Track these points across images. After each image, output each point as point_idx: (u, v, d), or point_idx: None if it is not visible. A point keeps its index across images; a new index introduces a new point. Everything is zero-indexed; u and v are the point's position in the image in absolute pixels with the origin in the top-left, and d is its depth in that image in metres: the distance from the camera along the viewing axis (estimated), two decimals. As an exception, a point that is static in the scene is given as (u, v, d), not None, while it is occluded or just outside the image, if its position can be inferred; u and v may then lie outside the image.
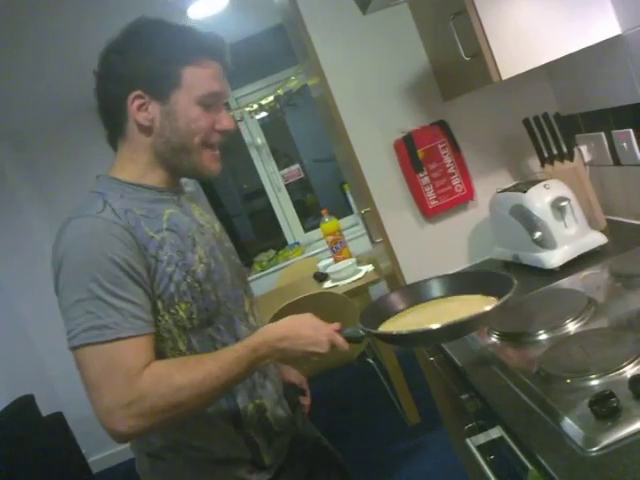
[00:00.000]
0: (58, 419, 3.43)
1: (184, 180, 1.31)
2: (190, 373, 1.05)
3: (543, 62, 1.54)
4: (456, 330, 1.15)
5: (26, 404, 3.22)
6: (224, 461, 1.22)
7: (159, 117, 1.14)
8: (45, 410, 3.35)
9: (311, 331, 1.13)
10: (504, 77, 1.50)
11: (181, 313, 1.13)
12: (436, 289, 1.33)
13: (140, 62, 1.12)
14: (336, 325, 1.16)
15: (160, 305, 1.11)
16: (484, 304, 1.17)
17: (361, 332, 1.17)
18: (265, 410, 1.26)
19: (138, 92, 1.12)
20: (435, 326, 1.10)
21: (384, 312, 1.30)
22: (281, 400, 1.32)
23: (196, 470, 1.21)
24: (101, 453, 4.13)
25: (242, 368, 1.09)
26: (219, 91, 1.17)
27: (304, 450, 1.38)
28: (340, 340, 1.14)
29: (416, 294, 1.34)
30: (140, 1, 2.46)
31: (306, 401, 1.51)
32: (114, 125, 1.20)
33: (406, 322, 1.26)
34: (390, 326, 1.25)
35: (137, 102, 1.13)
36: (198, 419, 1.17)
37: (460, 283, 1.32)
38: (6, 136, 4.07)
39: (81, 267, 1.05)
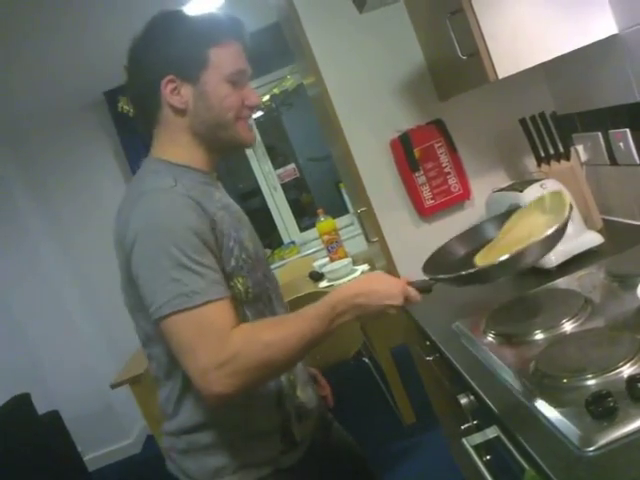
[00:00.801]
0: (54, 417, 3.42)
1: None
2: (277, 330, 1.10)
3: (540, 61, 1.54)
4: (526, 256, 1.18)
5: (22, 402, 3.21)
6: (257, 436, 1.24)
7: (192, 98, 1.19)
8: (41, 408, 3.34)
9: (385, 285, 1.16)
10: (501, 76, 1.50)
11: (239, 286, 1.18)
12: (490, 229, 1.45)
13: (167, 49, 1.17)
14: (405, 278, 1.20)
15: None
16: (542, 222, 1.22)
17: (431, 281, 1.22)
18: (296, 387, 1.31)
19: (170, 77, 1.17)
20: (503, 258, 1.15)
21: (447, 260, 1.40)
22: (309, 381, 1.39)
23: (230, 447, 1.23)
24: (97, 451, 4.12)
25: (324, 325, 1.11)
26: (244, 68, 1.22)
27: (328, 440, 1.44)
28: (413, 292, 1.17)
29: (474, 238, 1.45)
30: (137, 1, 2.46)
31: (325, 391, 1.55)
32: (149, 113, 1.24)
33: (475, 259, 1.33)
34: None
35: (170, 86, 1.18)
36: None
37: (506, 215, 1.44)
38: (3, 134, 4.06)
39: (162, 237, 1.07)
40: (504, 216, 1.50)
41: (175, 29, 1.19)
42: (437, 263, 1.37)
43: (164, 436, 1.30)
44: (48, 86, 3.51)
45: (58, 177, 4.21)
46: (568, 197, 1.28)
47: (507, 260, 1.17)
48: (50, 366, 3.98)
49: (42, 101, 3.78)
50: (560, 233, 1.21)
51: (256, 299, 1.23)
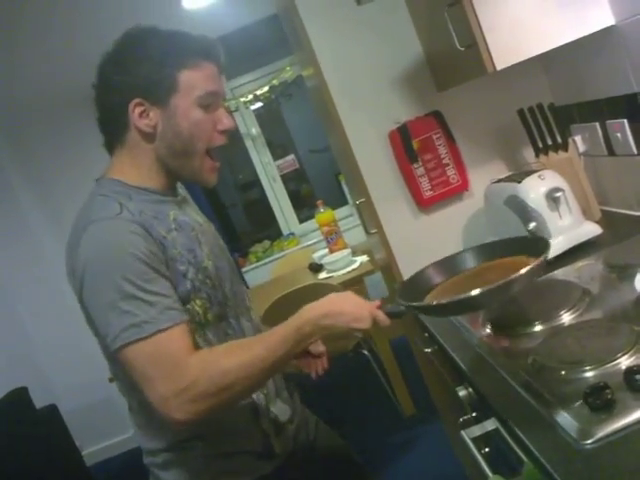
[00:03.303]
0: (52, 411, 3.41)
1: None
2: (236, 356, 1.08)
3: (537, 52, 1.54)
4: (497, 294, 1.13)
5: (20, 396, 3.20)
6: (235, 454, 1.24)
7: (161, 123, 1.15)
8: (39, 402, 3.34)
9: (353, 307, 1.14)
10: (499, 68, 1.50)
11: (197, 308, 1.16)
12: (471, 259, 1.36)
13: (137, 70, 1.13)
14: (377, 302, 1.18)
15: None
16: (521, 265, 1.14)
17: (402, 307, 1.18)
18: (270, 400, 1.29)
19: (138, 100, 1.13)
20: (475, 292, 1.09)
21: (423, 286, 1.32)
22: (280, 392, 1.34)
23: (207, 464, 1.23)
24: (95, 445, 4.11)
25: (287, 348, 1.10)
26: (216, 90, 1.18)
27: (309, 439, 1.42)
28: (382, 316, 1.15)
29: (452, 266, 1.36)
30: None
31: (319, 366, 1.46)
32: (115, 134, 1.21)
33: (447, 292, 1.28)
34: (431, 299, 1.26)
35: (138, 110, 1.14)
36: None
37: (493, 250, 1.35)
38: (1, 127, 4.04)
39: (110, 269, 1.06)
40: (488, 248, 1.39)
41: (145, 50, 1.14)
42: (413, 289, 1.30)
43: (144, 453, 1.30)
44: (46, 80, 3.49)
45: (57, 170, 4.17)
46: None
47: (479, 295, 1.10)
48: (48, 360, 3.97)
49: (40, 94, 3.76)
50: (537, 272, 1.15)
51: (219, 319, 1.20)
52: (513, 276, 1.09)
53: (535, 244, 1.23)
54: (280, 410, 1.31)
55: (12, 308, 4.03)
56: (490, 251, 1.35)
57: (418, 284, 1.33)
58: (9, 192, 4.01)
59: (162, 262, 1.10)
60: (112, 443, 4.14)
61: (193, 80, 1.14)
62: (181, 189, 1.35)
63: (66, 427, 3.44)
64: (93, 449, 4.08)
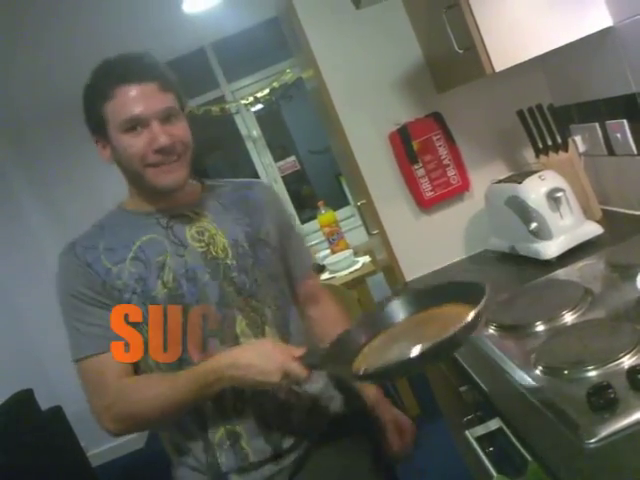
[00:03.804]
0: (57, 413, 3.42)
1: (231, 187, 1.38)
2: (146, 390, 1.19)
3: (536, 54, 1.54)
4: (429, 356, 0.99)
5: (25, 398, 3.22)
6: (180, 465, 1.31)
7: (113, 154, 1.23)
8: (44, 404, 3.36)
9: (262, 360, 1.10)
10: (497, 69, 1.50)
11: (144, 334, 1.21)
12: (400, 311, 1.18)
13: (85, 112, 1.23)
14: (298, 351, 1.11)
15: None
16: (455, 316, 1.01)
17: (322, 357, 1.11)
18: (239, 438, 1.24)
19: (95, 137, 1.25)
20: (414, 354, 0.96)
21: (351, 346, 1.14)
22: (270, 430, 1.25)
23: (174, 461, 1.33)
24: (100, 447, 4.14)
25: (194, 391, 1.14)
26: (135, 112, 1.16)
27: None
28: (297, 369, 1.09)
29: (381, 319, 1.18)
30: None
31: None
32: None
33: (379, 353, 1.11)
34: (362, 361, 1.09)
35: (98, 145, 1.25)
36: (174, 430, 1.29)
37: (424, 299, 1.17)
38: (3, 131, 4.05)
39: (58, 297, 1.25)
40: (419, 297, 1.21)
41: (85, 90, 1.22)
42: (342, 349, 1.13)
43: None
44: (48, 83, 3.50)
45: (59, 173, 4.19)
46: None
47: (408, 360, 0.98)
48: (53, 362, 3.97)
49: (42, 98, 3.77)
50: (474, 325, 1.00)
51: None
52: (445, 335, 0.96)
53: (470, 290, 1.06)
54: (256, 450, 1.24)
55: (17, 312, 4.06)
56: (421, 300, 1.18)
57: (347, 343, 1.15)
58: (11, 197, 4.02)
59: (99, 293, 1.20)
60: (117, 444, 4.14)
61: (113, 109, 1.17)
62: (216, 200, 1.33)
63: (71, 428, 3.46)
64: (98, 450, 4.10)
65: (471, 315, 0.97)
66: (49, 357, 3.96)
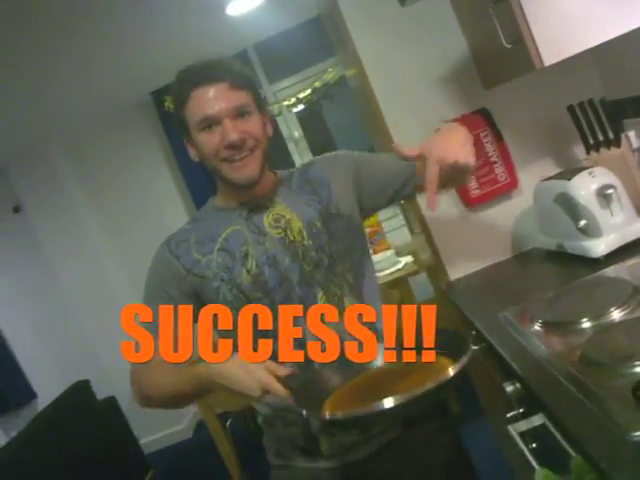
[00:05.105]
0: (112, 403, 3.60)
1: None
2: (156, 376, 1.29)
3: (587, 47, 1.49)
4: (400, 410, 0.95)
5: (82, 388, 3.39)
6: (284, 440, 1.39)
7: (198, 152, 1.33)
8: (100, 394, 3.54)
9: (244, 373, 1.11)
10: (547, 63, 1.46)
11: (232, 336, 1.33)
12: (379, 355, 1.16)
13: (174, 117, 1.36)
14: (283, 370, 1.11)
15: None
16: (431, 370, 0.99)
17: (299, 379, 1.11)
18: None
19: (184, 139, 1.36)
20: (388, 404, 0.92)
21: (324, 387, 1.14)
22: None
23: (276, 439, 1.42)
24: (152, 435, 4.37)
25: (192, 385, 1.21)
26: (208, 112, 1.26)
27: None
28: (276, 387, 1.08)
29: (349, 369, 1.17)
30: (182, 2, 2.51)
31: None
32: None
33: (346, 400, 1.09)
34: (330, 405, 1.08)
35: (188, 146, 1.36)
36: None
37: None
38: (58, 134, 4.22)
39: (146, 280, 1.40)
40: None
41: (172, 98, 1.34)
42: (311, 389, 1.13)
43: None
44: (97, 88, 3.60)
45: (109, 174, 4.43)
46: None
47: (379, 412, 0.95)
48: (109, 355, 4.15)
49: (93, 102, 3.90)
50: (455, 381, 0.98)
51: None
52: (420, 391, 0.93)
53: (453, 342, 1.03)
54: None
55: (76, 311, 4.35)
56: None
57: (316, 384, 1.15)
58: (68, 201, 4.31)
59: (179, 287, 1.33)
60: (167, 433, 4.42)
61: (191, 111, 1.28)
62: (286, 188, 1.42)
63: (125, 418, 3.64)
64: (150, 439, 4.34)
65: (451, 372, 0.97)
66: (105, 351, 4.19)
